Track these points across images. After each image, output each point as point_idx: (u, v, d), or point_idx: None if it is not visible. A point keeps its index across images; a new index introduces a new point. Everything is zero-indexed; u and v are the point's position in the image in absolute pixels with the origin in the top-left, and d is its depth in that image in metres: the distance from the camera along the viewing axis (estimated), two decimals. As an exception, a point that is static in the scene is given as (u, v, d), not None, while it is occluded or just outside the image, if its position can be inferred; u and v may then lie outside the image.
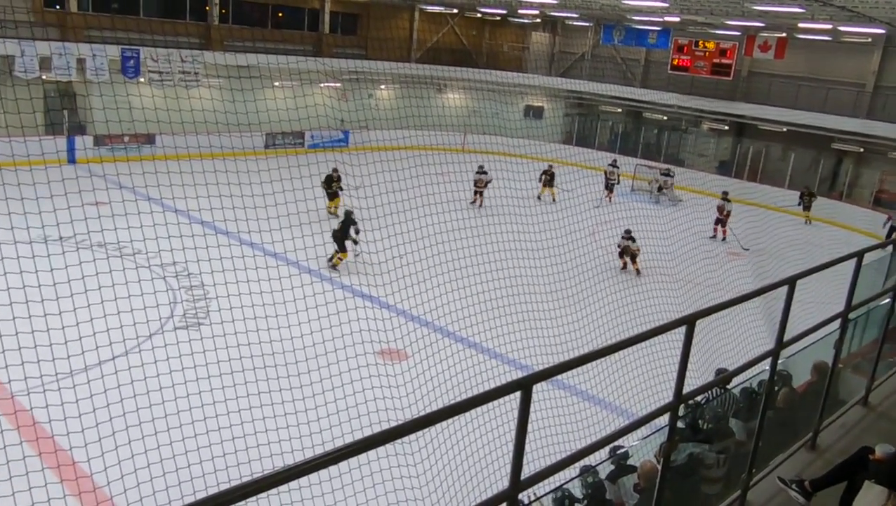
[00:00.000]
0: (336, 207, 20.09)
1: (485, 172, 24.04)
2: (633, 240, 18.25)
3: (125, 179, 11.72)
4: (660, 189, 28.41)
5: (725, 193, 23.50)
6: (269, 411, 8.58)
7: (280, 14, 32.42)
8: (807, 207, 26.60)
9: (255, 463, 7.18)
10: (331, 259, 16.61)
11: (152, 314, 11.07)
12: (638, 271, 18.27)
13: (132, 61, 25.42)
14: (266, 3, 31.01)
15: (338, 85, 31.10)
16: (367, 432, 2.19)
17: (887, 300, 6.25)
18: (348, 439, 2.14)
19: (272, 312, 10.16)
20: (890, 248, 7.68)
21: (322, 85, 29.24)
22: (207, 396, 7.99)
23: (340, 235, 16.67)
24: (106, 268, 9.26)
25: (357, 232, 16.54)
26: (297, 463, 1.97)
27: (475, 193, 24.11)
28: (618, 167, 27.53)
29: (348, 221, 16.76)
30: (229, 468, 7.17)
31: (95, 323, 8.37)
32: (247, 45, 27.75)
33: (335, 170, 20.50)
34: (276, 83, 24.61)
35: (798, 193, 27.01)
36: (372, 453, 2.26)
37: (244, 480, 1.90)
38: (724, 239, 22.88)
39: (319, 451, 2.06)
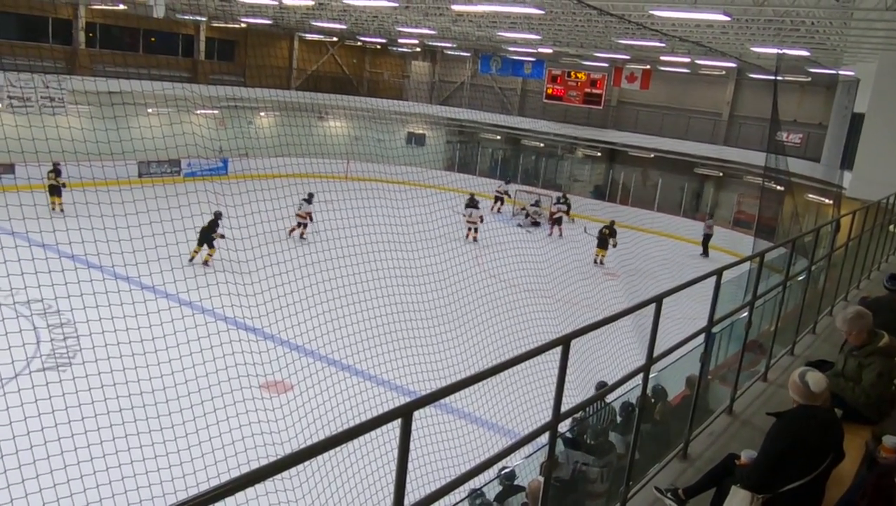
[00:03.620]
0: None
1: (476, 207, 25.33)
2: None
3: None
4: (526, 215, 29.60)
5: (559, 198, 29.42)
6: (148, 451, 8.20)
7: (152, 39, 31.38)
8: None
9: (135, 507, 6.87)
10: (191, 258, 18.13)
11: (10, 356, 10.31)
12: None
13: (-13, 86, 23.84)
14: (137, 28, 29.97)
15: (215, 112, 30.38)
16: (251, 469, 2.15)
17: (745, 314, 6.66)
18: (231, 477, 2.09)
19: (149, 349, 9.74)
20: (748, 264, 8.26)
21: (198, 112, 28.48)
22: (81, 439, 7.56)
23: (207, 232, 18.47)
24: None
25: (222, 236, 18.26)
26: (175, 504, 1.89)
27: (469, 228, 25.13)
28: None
29: (216, 219, 18.55)
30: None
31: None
32: (117, 70, 26.67)
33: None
34: (150, 110, 23.80)
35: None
36: (251, 492, 2.21)
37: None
38: (560, 235, 26.93)
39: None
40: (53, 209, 21.63)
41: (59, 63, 26.95)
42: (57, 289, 8.89)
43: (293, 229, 22.69)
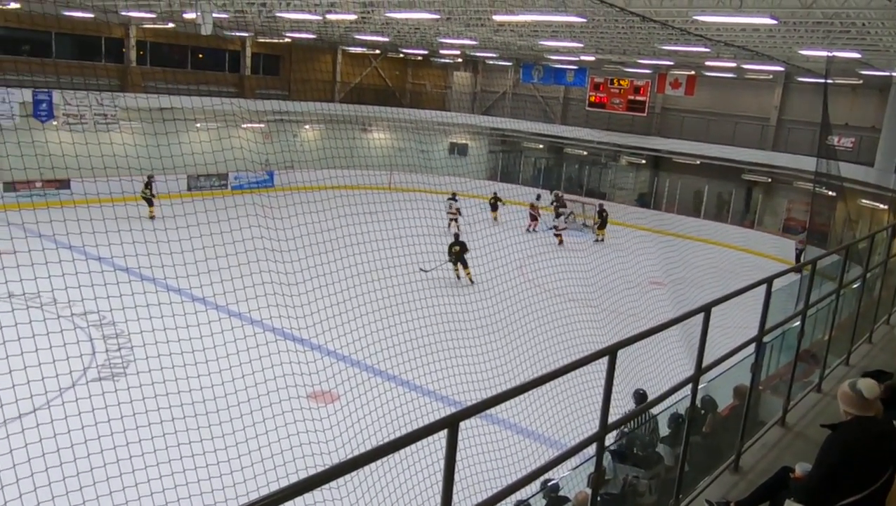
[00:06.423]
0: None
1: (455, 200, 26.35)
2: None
3: (39, 227, 11.36)
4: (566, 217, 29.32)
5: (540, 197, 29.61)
6: (200, 460, 8.36)
7: (200, 55, 32.11)
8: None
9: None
10: (467, 276, 19.78)
11: (68, 366, 10.60)
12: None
13: (44, 104, 24.64)
14: (185, 45, 30.72)
15: (261, 126, 30.92)
16: (298, 478, 2.19)
17: (798, 323, 6.51)
18: (280, 486, 2.13)
19: (200, 359, 9.93)
20: (800, 272, 8.08)
21: (245, 126, 29.02)
22: (135, 447, 7.75)
23: (461, 253, 19.87)
24: (13, 321, 8.71)
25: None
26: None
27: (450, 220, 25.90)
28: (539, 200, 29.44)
29: (459, 241, 20.25)
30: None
31: (2, 378, 7.89)
32: (167, 86, 27.38)
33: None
34: (198, 125, 24.34)
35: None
36: (298, 501, 2.24)
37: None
38: (534, 230, 28.72)
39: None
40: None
41: (112, 81, 27.76)
42: (112, 301, 9.13)
43: (450, 225, 25.16)
